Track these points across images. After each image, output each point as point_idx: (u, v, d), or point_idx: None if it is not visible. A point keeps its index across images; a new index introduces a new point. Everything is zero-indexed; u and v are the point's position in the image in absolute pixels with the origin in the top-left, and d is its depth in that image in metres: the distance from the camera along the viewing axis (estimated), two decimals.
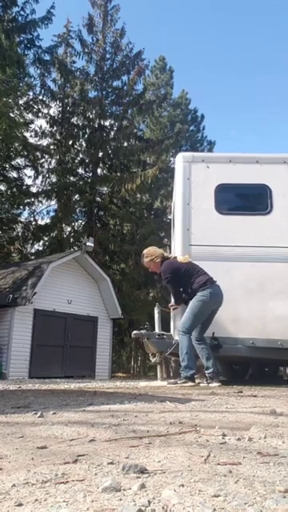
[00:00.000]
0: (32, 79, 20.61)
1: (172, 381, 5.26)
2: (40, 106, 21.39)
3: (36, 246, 22.67)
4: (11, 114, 16.08)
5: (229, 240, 5.85)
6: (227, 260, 5.77)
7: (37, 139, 21.70)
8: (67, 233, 22.09)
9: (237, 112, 75.96)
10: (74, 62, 22.96)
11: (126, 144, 22.18)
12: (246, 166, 6.16)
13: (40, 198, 21.56)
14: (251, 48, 69.86)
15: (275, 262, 5.72)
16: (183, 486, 0.98)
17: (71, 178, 21.79)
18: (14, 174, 21.07)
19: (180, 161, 6.26)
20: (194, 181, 6.06)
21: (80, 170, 22.38)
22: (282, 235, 5.80)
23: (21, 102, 19.04)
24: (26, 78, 19.18)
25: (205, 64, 66.98)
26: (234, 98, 71.88)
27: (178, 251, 5.90)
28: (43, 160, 21.61)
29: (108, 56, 22.93)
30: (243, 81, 76.67)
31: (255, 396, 3.38)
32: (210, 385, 4.85)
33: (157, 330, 6.38)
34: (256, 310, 5.65)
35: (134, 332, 6.10)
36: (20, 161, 21.13)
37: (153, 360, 6.20)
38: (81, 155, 22.33)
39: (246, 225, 5.93)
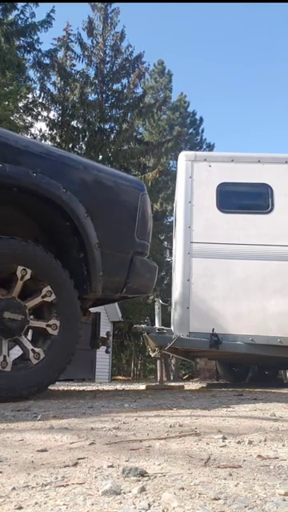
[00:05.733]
0: (32, 82, 20.66)
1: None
2: (40, 109, 21.41)
3: None
4: (11, 118, 16.10)
5: (230, 238, 5.91)
6: (228, 257, 5.83)
7: None
8: None
9: (236, 114, 76.13)
10: (74, 66, 23.02)
11: (125, 147, 22.21)
12: (248, 166, 6.22)
13: None
14: (251, 50, 70.07)
15: (275, 260, 5.78)
16: (183, 489, 0.98)
17: None
18: None
19: (182, 159, 6.32)
20: (196, 179, 6.12)
21: None
22: (283, 234, 5.87)
23: (20, 105, 19.06)
24: (26, 82, 19.22)
25: (203, 67, 67.16)
26: (233, 100, 72.03)
27: (179, 248, 5.96)
28: None
29: (108, 59, 23.00)
30: (242, 83, 76.84)
31: (255, 399, 3.38)
32: None
33: (157, 324, 6.43)
34: (256, 307, 5.69)
35: (135, 326, 6.17)
36: None
37: (153, 355, 6.25)
38: None
39: (247, 223, 5.99)
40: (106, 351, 4.23)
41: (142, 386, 6.08)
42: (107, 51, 23.03)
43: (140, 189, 3.65)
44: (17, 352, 3.14)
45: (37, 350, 2.97)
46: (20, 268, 2.94)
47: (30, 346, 2.96)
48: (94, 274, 3.22)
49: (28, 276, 2.96)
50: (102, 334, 4.06)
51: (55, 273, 3.06)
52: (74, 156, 3.73)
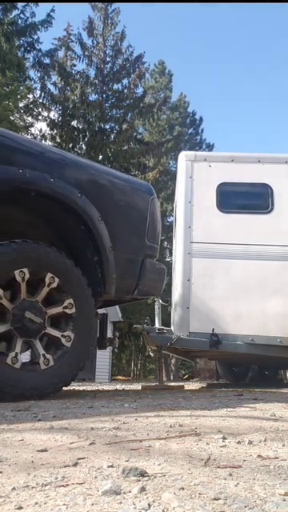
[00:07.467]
0: (32, 82, 20.65)
1: None
2: (40, 109, 21.40)
3: None
4: (11, 118, 16.09)
5: (230, 238, 5.91)
6: (228, 257, 5.83)
7: None
8: None
9: (236, 114, 76.15)
10: (74, 66, 23.00)
11: (126, 147, 22.20)
12: (248, 166, 6.22)
13: None
14: (252, 50, 70.07)
15: (275, 260, 5.78)
16: (183, 489, 0.98)
17: None
18: None
19: (182, 159, 6.32)
20: (196, 179, 6.12)
21: None
22: (283, 234, 5.87)
23: (21, 105, 19.05)
24: (26, 82, 19.21)
25: (204, 67, 67.23)
26: (233, 101, 72.05)
27: (179, 248, 5.96)
28: None
29: (108, 59, 22.98)
30: (243, 83, 76.90)
31: (255, 399, 3.38)
32: None
33: (157, 324, 6.43)
34: (256, 307, 5.69)
35: (135, 326, 6.16)
36: None
37: (152, 355, 6.26)
38: None
39: (247, 223, 5.99)
40: (113, 350, 4.33)
41: (140, 387, 6.07)
42: (107, 51, 23.02)
43: (150, 193, 3.81)
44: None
45: (48, 356, 3.02)
46: (49, 275, 3.05)
47: (42, 351, 3.01)
48: (108, 276, 3.34)
49: (55, 285, 3.07)
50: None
51: (80, 288, 3.18)
52: (86, 161, 3.86)
